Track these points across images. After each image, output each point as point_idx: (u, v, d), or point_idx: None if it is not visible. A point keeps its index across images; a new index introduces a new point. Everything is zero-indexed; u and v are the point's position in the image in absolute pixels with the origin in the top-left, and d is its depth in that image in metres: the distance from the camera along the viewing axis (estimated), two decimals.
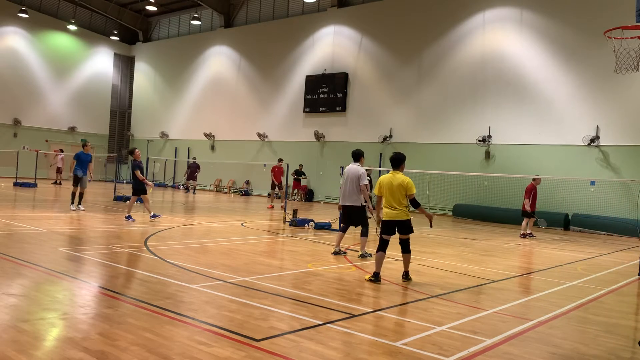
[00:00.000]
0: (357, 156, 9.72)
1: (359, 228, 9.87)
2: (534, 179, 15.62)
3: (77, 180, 15.37)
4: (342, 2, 28.19)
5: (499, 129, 21.97)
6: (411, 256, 7.86)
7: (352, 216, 9.64)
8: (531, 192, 15.37)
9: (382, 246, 7.65)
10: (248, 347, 4.50)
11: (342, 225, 10.02)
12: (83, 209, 15.30)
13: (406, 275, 7.76)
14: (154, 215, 13.95)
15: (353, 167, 9.61)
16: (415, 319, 5.68)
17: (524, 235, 15.31)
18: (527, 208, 15.26)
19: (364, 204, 9.56)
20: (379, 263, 7.58)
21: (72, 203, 15.38)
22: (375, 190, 7.91)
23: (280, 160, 22.00)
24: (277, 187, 22.91)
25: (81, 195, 15.46)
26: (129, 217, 13.57)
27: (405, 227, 7.68)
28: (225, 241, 11.08)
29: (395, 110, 25.32)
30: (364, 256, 9.55)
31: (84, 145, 16.07)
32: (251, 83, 31.84)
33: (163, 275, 7.18)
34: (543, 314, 6.25)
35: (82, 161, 15.48)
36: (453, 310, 6.16)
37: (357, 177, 9.48)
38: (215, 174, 32.84)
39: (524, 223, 15.53)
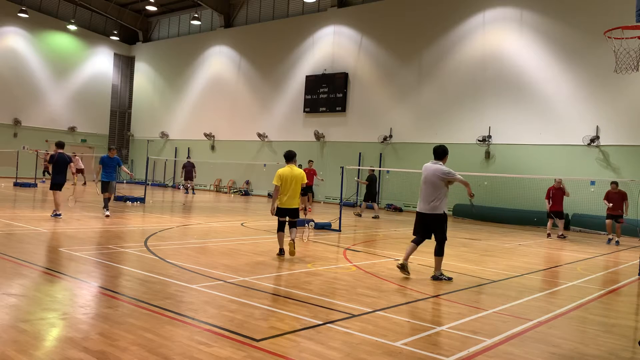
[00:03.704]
0: (440, 154, 8.32)
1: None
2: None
3: (105, 186, 14.60)
4: (342, 2, 28.19)
5: (499, 129, 21.97)
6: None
7: (430, 226, 8.08)
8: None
9: (282, 227, 9.37)
10: (248, 347, 4.50)
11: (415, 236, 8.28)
12: (108, 214, 14.47)
13: (293, 244, 9.25)
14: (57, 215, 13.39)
15: (433, 166, 8.16)
16: (415, 319, 5.68)
17: (612, 241, 15.10)
18: (624, 212, 14.97)
19: (445, 211, 8.05)
20: (281, 241, 9.37)
21: (105, 208, 14.58)
22: (275, 181, 9.16)
23: (311, 161, 20.48)
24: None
25: (107, 200, 14.69)
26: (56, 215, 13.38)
27: (296, 213, 9.43)
28: (225, 241, 11.08)
29: (395, 110, 25.31)
30: (437, 278, 7.96)
31: (109, 150, 15.22)
32: (251, 83, 31.83)
33: (163, 275, 7.18)
34: (543, 314, 6.25)
35: (107, 166, 14.67)
36: (453, 310, 6.16)
37: (438, 175, 7.99)
38: (215, 174, 32.84)
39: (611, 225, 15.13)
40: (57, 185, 13.59)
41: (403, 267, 8.02)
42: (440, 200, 7.93)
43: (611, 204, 15.01)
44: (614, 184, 15.44)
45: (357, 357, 4.42)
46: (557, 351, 4.89)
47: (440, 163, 8.15)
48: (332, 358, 4.36)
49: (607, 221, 15.20)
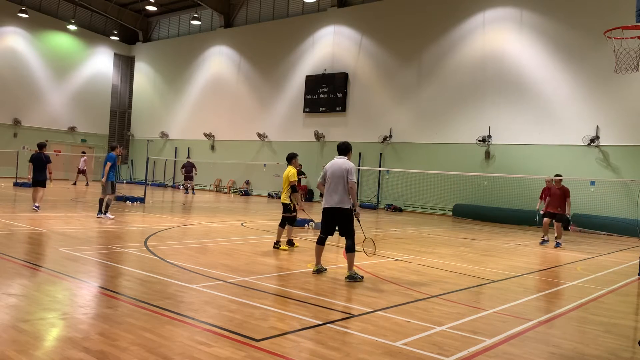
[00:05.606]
0: (344, 150, 8.21)
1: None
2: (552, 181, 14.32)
3: (113, 187, 13.85)
4: (342, 2, 28.19)
5: (499, 129, 21.97)
6: (412, 258, 7.90)
7: (336, 220, 7.77)
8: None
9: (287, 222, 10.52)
10: (248, 347, 4.50)
11: (321, 235, 7.98)
12: (112, 216, 13.83)
13: (277, 244, 10.24)
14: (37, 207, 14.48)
15: (340, 160, 7.99)
16: (415, 319, 5.68)
17: (547, 242, 13.83)
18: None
19: (352, 207, 7.72)
20: (286, 232, 10.47)
21: (100, 212, 13.72)
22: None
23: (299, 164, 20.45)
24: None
25: (109, 202, 13.89)
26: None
27: (285, 208, 10.39)
28: (225, 241, 11.08)
29: (395, 110, 25.31)
30: (353, 278, 7.51)
31: (114, 148, 14.28)
32: (251, 83, 31.83)
33: (163, 275, 7.18)
34: (543, 314, 6.25)
35: (114, 164, 13.91)
36: (453, 310, 6.16)
37: (343, 169, 7.78)
38: (215, 174, 32.84)
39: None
40: (34, 182, 14.84)
41: (319, 272, 7.88)
42: (347, 195, 7.65)
43: (542, 201, 14.23)
44: (557, 178, 13.91)
45: (357, 357, 4.41)
46: (557, 351, 4.89)
47: (346, 158, 8.06)
48: (332, 358, 4.36)
49: (545, 220, 13.73)
